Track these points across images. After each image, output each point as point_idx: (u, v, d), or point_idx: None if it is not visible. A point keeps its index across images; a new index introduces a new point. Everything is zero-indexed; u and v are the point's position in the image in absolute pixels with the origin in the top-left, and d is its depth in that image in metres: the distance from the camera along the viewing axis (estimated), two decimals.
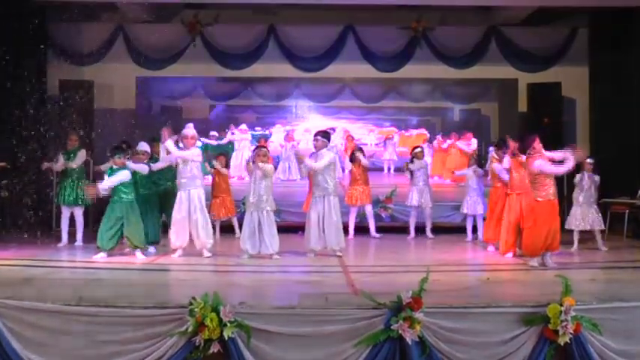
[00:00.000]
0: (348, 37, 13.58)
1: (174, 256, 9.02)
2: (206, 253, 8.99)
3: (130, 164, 9.04)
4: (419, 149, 11.66)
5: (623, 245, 10.45)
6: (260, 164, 8.82)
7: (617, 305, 6.02)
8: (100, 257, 8.75)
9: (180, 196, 8.97)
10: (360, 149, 11.91)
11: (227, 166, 10.77)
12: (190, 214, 8.92)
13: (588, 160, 10.18)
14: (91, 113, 12.87)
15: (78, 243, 10.10)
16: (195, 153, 9.10)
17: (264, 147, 9.65)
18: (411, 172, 11.31)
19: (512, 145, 9.34)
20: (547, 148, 8.75)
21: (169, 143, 8.87)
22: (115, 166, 8.95)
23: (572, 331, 5.66)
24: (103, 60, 13.45)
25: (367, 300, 5.80)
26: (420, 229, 11.45)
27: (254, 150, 9.45)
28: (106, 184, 8.82)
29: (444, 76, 13.93)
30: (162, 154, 9.31)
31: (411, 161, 11.43)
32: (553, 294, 5.89)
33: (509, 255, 9.13)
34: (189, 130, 9.17)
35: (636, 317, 5.98)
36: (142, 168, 9.18)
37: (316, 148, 9.31)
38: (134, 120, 13.12)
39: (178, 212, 8.94)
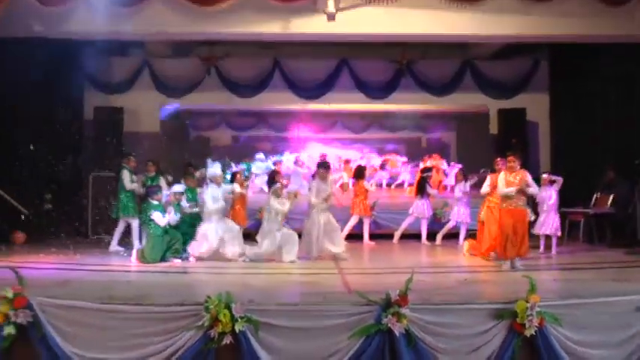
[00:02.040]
0: (342, 69, 13.66)
1: (191, 260, 9.02)
2: (243, 258, 9.05)
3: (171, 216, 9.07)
4: (429, 173, 11.74)
5: (580, 249, 10.44)
6: (272, 203, 8.96)
7: (575, 302, 6.03)
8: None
9: (213, 224, 9.01)
10: (365, 167, 12.02)
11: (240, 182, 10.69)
12: (223, 238, 9.03)
13: (544, 176, 10.24)
14: (121, 135, 12.88)
15: (137, 247, 9.71)
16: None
17: (279, 181, 9.61)
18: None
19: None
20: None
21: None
22: (155, 202, 9.04)
23: (537, 325, 5.67)
24: (131, 89, 13.52)
25: (360, 298, 5.80)
26: (404, 236, 11.49)
27: (268, 182, 9.47)
28: (165, 221, 8.95)
29: (425, 102, 13.95)
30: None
31: (424, 181, 11.43)
32: (520, 292, 5.89)
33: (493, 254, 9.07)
34: (218, 169, 9.34)
35: (591, 312, 5.98)
36: (172, 218, 9.14)
37: (321, 178, 9.48)
38: (158, 141, 13.18)
39: (210, 235, 8.98)
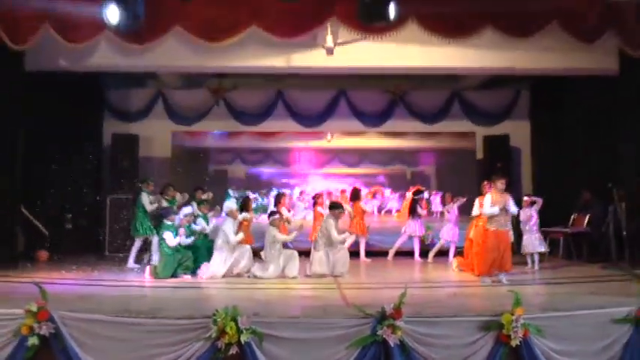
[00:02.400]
0: (340, 99, 13.73)
1: (203, 277, 9.00)
2: (249, 274, 9.06)
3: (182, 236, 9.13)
4: (421, 195, 11.69)
5: (559, 265, 10.43)
6: (276, 235, 9.10)
7: (556, 314, 6.04)
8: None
9: (224, 254, 9.05)
10: (360, 190, 11.99)
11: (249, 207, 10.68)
12: (237, 259, 9.10)
13: (525, 198, 10.27)
14: (137, 160, 12.93)
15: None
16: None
17: (279, 212, 9.67)
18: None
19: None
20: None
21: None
22: (168, 223, 9.14)
23: (521, 336, 5.67)
24: (146, 117, 13.58)
25: (357, 311, 5.81)
26: (397, 254, 11.48)
27: (269, 214, 9.52)
28: (176, 242, 9.01)
29: (418, 130, 13.99)
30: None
31: (415, 202, 11.44)
32: (506, 305, 5.89)
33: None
34: (234, 204, 9.42)
35: (571, 323, 5.98)
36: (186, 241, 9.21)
37: (336, 217, 9.49)
38: (170, 165, 13.22)
39: (220, 265, 9.00)
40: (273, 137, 14.19)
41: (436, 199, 13.64)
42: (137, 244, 10.31)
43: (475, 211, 9.36)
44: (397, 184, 16.21)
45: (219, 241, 9.07)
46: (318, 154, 14.86)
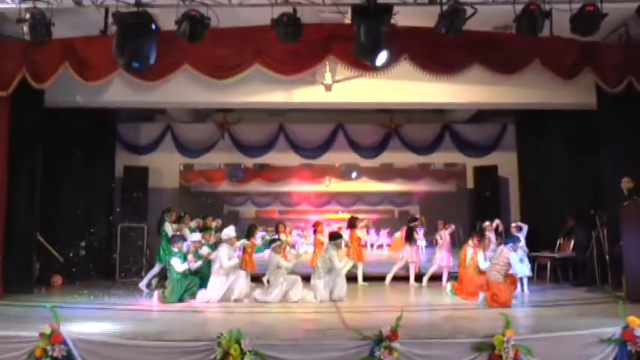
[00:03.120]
0: (338, 132, 13.76)
1: (197, 301, 8.88)
2: (250, 299, 8.97)
3: (192, 264, 9.03)
4: (416, 222, 11.61)
5: (547, 288, 10.35)
6: (280, 261, 9.10)
7: (544, 335, 5.97)
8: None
9: (220, 278, 8.94)
10: (357, 218, 11.88)
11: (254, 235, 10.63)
12: (232, 286, 8.98)
13: (513, 224, 10.27)
14: (146, 190, 12.92)
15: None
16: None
17: (279, 239, 9.65)
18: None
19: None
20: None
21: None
22: (175, 250, 9.14)
23: (512, 356, 5.60)
24: (155, 150, 13.61)
25: (356, 334, 5.74)
26: (394, 278, 11.37)
27: (270, 242, 9.52)
28: (183, 267, 8.94)
29: (412, 162, 14.00)
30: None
31: (411, 230, 11.38)
32: (497, 327, 5.83)
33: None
34: (232, 231, 9.25)
35: (559, 343, 5.91)
36: (196, 265, 9.14)
37: (338, 247, 9.45)
38: (178, 196, 13.22)
39: (217, 288, 8.90)
40: (280, 182, 14.30)
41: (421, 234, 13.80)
42: (156, 269, 10.28)
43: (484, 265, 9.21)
44: (386, 222, 16.60)
45: (215, 266, 9.00)
46: (318, 197, 15.13)
